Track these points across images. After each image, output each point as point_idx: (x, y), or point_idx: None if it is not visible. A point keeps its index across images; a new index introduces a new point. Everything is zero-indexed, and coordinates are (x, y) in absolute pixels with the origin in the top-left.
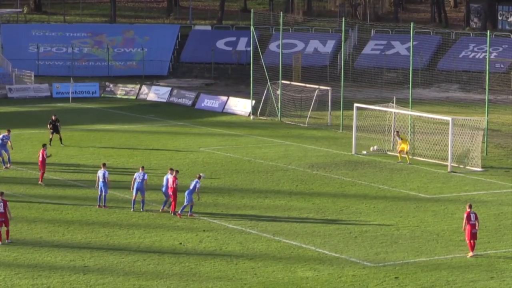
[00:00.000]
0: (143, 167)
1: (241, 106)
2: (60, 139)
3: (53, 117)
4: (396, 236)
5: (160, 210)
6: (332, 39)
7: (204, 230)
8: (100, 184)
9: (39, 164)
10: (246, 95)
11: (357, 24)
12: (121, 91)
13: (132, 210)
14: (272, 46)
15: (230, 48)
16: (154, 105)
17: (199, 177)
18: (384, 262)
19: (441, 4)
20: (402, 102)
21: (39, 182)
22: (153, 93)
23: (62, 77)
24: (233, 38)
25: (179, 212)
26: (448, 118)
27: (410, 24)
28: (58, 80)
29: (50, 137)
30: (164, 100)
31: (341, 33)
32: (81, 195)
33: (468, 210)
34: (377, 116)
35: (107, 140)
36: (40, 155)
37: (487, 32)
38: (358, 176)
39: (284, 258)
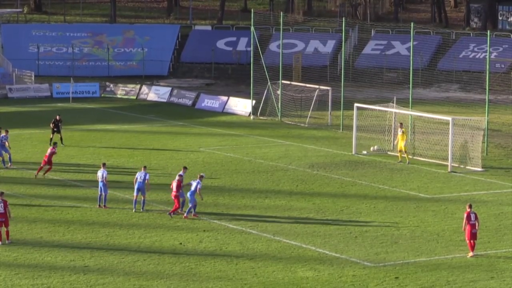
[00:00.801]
0: (145, 167)
1: (241, 106)
2: (61, 139)
3: (57, 117)
4: (396, 236)
5: (183, 217)
6: (332, 39)
7: (204, 230)
8: (100, 184)
9: (45, 159)
10: (246, 95)
11: (357, 24)
12: (121, 91)
13: (133, 210)
14: (272, 46)
15: (230, 48)
16: (154, 105)
17: (201, 177)
18: (384, 262)
19: (441, 4)
20: (402, 102)
21: (36, 173)
22: (153, 93)
23: (62, 77)
24: (233, 38)
25: (185, 214)
26: (448, 118)
27: (410, 24)
28: (58, 80)
29: (51, 136)
30: (164, 100)
31: (342, 33)
32: (81, 195)
33: (468, 210)
34: (377, 116)
35: (107, 140)
36: (49, 152)
37: (487, 32)
38: (358, 176)
39: (285, 258)
